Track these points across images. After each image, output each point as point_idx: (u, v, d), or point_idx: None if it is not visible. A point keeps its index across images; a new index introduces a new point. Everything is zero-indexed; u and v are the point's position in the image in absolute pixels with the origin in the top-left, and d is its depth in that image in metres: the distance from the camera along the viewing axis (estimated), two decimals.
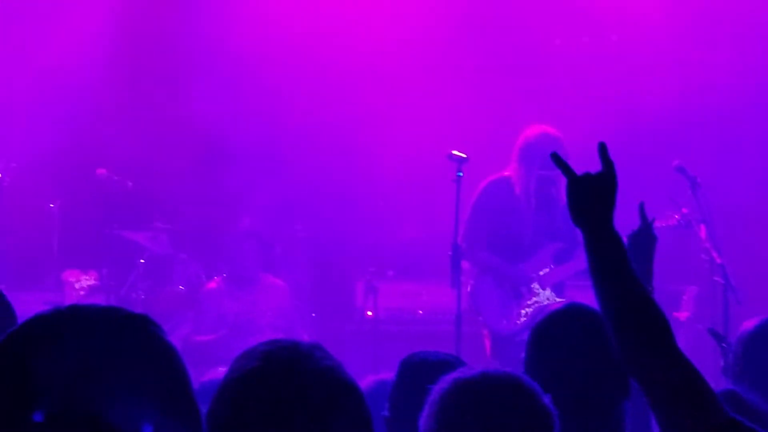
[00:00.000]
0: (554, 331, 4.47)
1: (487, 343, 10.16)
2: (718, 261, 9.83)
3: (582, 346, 4.37)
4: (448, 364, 4.72)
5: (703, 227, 10.01)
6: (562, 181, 9.74)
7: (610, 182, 4.29)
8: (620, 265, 4.03)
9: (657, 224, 9.32)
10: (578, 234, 9.86)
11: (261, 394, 2.77)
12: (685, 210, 10.17)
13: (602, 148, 4.58)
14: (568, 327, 4.47)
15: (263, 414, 2.73)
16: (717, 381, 9.49)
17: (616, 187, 4.29)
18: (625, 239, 5.82)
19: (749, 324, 6.39)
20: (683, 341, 10.98)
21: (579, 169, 4.67)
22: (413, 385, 4.58)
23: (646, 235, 5.91)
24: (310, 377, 2.76)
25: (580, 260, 9.97)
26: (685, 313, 11.21)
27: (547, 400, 3.39)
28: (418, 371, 4.76)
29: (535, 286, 10.11)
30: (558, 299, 10.01)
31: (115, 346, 2.18)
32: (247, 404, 2.78)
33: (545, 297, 10.06)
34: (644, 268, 5.88)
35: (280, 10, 12.73)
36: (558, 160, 4.48)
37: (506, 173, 10.25)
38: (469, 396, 3.36)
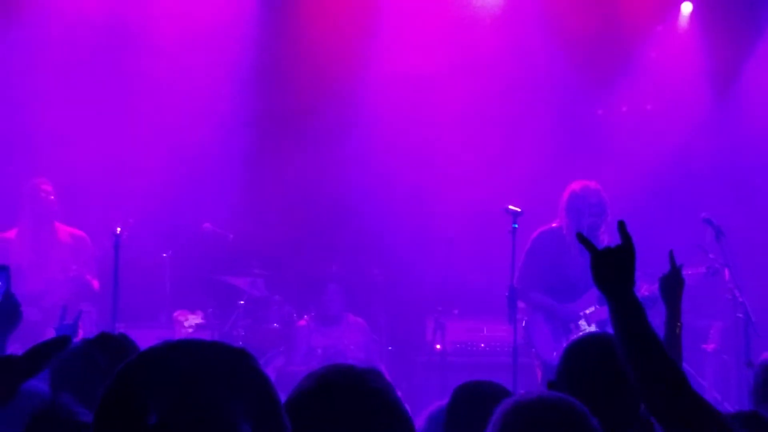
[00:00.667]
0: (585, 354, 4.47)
1: (539, 372, 10.17)
2: (740, 299, 9.86)
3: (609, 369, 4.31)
4: (494, 392, 4.73)
5: (726, 270, 10.03)
6: (606, 228, 9.87)
7: (629, 256, 4.26)
8: (640, 329, 4.00)
9: (688, 272, 9.48)
10: None
11: (315, 410, 2.85)
12: (711, 255, 10.18)
13: (621, 225, 4.56)
14: (598, 351, 4.45)
15: (316, 426, 2.80)
16: (741, 404, 9.57)
17: (635, 259, 4.26)
18: (657, 282, 5.95)
19: (767, 355, 6.43)
20: (711, 369, 11.07)
21: (615, 217, 4.80)
22: (464, 409, 4.65)
23: (674, 278, 5.97)
24: (360, 396, 2.85)
25: None
26: (712, 345, 11.15)
27: (595, 422, 3.37)
28: (467, 398, 4.73)
29: (582, 323, 10.13)
30: None
31: (218, 373, 2.19)
32: (303, 417, 2.81)
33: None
34: (673, 307, 5.95)
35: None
36: (582, 239, 4.50)
37: (555, 224, 10.29)
38: (528, 416, 3.32)
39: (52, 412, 3.99)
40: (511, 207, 9.92)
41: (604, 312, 10.15)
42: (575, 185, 10.26)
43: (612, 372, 4.27)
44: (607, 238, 10.30)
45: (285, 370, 11.19)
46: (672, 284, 5.87)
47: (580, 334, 9.93)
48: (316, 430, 2.79)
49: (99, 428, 2.13)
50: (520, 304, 10.02)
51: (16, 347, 9.74)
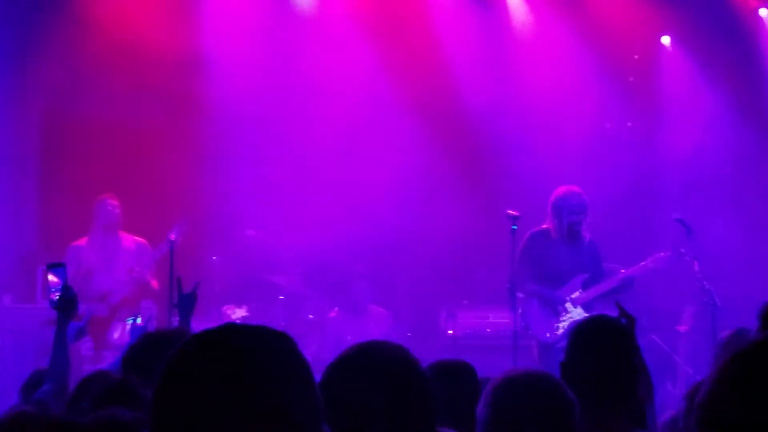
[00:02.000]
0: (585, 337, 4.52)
1: (535, 351, 10.27)
2: (707, 287, 9.95)
3: (608, 347, 4.40)
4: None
5: (696, 263, 10.12)
6: (585, 226, 9.96)
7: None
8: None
9: (660, 254, 9.61)
10: (600, 266, 10.07)
11: (347, 372, 2.91)
12: (683, 250, 10.27)
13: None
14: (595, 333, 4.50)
15: (349, 386, 2.85)
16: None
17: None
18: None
19: (724, 333, 6.54)
20: (684, 348, 11.12)
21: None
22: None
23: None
24: (386, 358, 2.93)
25: (602, 286, 10.20)
26: (685, 326, 11.19)
27: (571, 394, 3.42)
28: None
29: (569, 305, 10.24)
30: (586, 314, 10.22)
31: (266, 350, 2.13)
32: (336, 379, 2.89)
33: (576, 313, 10.17)
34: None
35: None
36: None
37: (544, 226, 10.40)
38: (514, 388, 3.40)
39: (122, 386, 4.05)
40: (510, 212, 10.02)
41: (587, 295, 10.26)
42: (559, 190, 10.40)
43: (611, 355, 4.36)
44: (588, 234, 10.38)
45: (318, 357, 11.23)
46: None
47: (568, 316, 10.09)
48: (351, 388, 2.83)
49: (159, 404, 2.05)
50: (519, 295, 10.12)
51: (85, 339, 9.89)
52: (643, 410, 4.68)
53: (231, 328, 2.18)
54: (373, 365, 2.93)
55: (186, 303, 7.06)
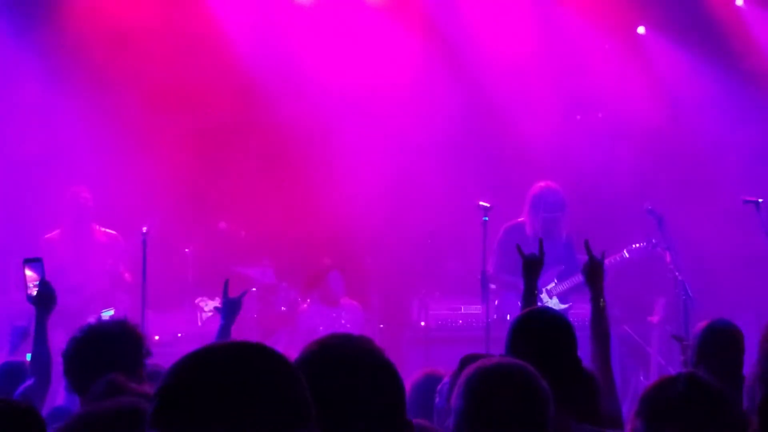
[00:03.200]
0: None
1: None
2: (680, 278, 9.92)
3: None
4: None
5: (668, 253, 10.10)
6: (561, 221, 10.00)
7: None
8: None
9: (635, 245, 9.63)
10: (575, 259, 10.11)
11: (317, 366, 2.83)
12: (654, 240, 10.28)
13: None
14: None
15: (320, 377, 2.77)
16: (682, 368, 9.61)
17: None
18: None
19: (701, 325, 6.53)
20: (656, 339, 11.13)
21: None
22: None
23: (593, 265, 6.27)
24: (351, 351, 2.85)
25: (577, 277, 10.21)
26: (657, 317, 11.22)
27: (544, 383, 3.42)
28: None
29: (544, 296, 10.26)
30: (561, 305, 10.23)
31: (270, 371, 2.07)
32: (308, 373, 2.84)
33: (552, 304, 10.21)
34: (595, 287, 6.22)
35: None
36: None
37: (520, 219, 10.42)
38: (488, 378, 3.38)
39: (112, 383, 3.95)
40: (482, 203, 9.99)
41: (562, 287, 10.30)
42: (536, 186, 10.42)
43: (555, 339, 4.45)
44: (565, 230, 10.39)
45: (290, 347, 11.19)
46: (592, 269, 6.23)
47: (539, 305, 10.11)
48: (323, 381, 2.78)
49: (161, 417, 2.01)
50: (492, 286, 10.11)
51: (59, 332, 9.84)
52: (596, 405, 4.69)
53: (229, 350, 2.10)
54: (338, 359, 2.86)
55: (230, 308, 7.04)
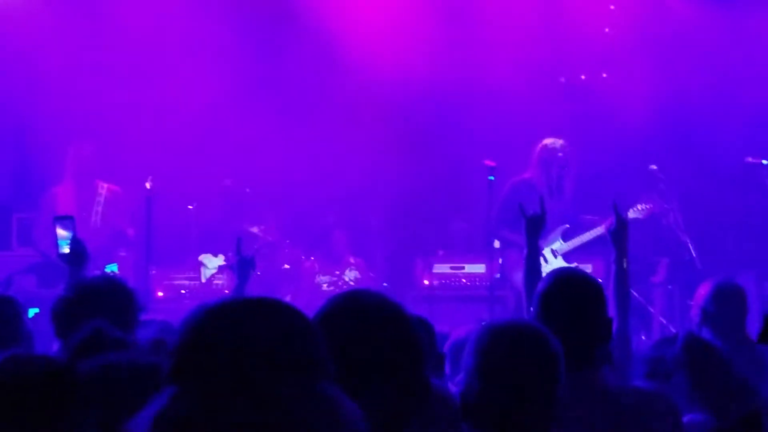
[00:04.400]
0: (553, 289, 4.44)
1: (512, 302, 10.23)
2: (683, 239, 9.90)
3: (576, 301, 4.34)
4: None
5: (671, 214, 10.07)
6: (567, 178, 9.98)
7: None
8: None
9: (638, 207, 9.58)
10: (580, 219, 10.06)
11: (337, 321, 2.79)
12: (658, 200, 10.23)
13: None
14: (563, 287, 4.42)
15: (340, 331, 2.72)
16: (684, 327, 9.60)
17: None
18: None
19: (705, 285, 6.53)
20: (658, 299, 11.12)
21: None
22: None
23: (620, 224, 6.28)
24: (371, 306, 2.83)
25: (582, 237, 10.18)
26: (659, 277, 11.20)
27: (555, 342, 3.42)
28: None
29: (549, 256, 10.20)
30: (567, 264, 10.21)
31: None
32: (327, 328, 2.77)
33: (556, 264, 10.15)
34: (620, 247, 6.23)
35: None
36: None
37: (526, 175, 10.36)
38: (500, 337, 3.38)
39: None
40: (487, 162, 9.95)
41: (567, 246, 10.26)
42: (545, 141, 10.36)
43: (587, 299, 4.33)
44: (571, 187, 10.35)
45: (293, 305, 11.19)
46: (618, 229, 6.24)
47: (548, 266, 10.06)
48: (342, 337, 2.74)
49: (179, 367, 1.96)
50: (495, 244, 10.08)
51: (60, 288, 9.82)
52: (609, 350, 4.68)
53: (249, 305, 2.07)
54: (358, 315, 2.82)
55: (244, 267, 6.99)
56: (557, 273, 4.55)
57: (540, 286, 4.38)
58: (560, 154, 10.23)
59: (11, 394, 2.34)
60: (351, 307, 2.83)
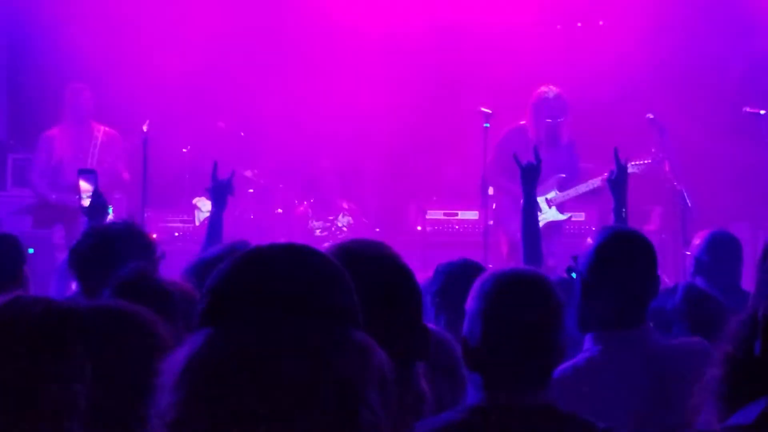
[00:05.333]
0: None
1: (504, 248, 10.25)
2: (678, 188, 9.89)
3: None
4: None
5: (666, 163, 10.05)
6: (563, 127, 9.97)
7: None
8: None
9: (637, 161, 9.56)
10: (576, 167, 10.07)
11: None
12: (654, 149, 10.21)
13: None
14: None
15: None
16: (677, 278, 9.64)
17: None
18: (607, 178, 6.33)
19: (700, 235, 6.55)
20: None
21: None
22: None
23: (620, 173, 6.29)
24: (370, 256, 2.77)
25: (578, 188, 10.18)
26: (653, 226, 11.23)
27: (559, 292, 3.44)
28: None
29: (543, 206, 10.19)
30: (560, 215, 10.21)
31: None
32: None
33: (550, 214, 10.16)
34: (619, 196, 6.25)
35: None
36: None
37: (521, 123, 10.34)
38: (504, 282, 3.40)
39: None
40: (483, 109, 9.93)
41: (562, 196, 10.25)
42: (538, 91, 10.33)
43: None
44: (567, 135, 10.33)
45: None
46: (618, 178, 6.26)
47: (542, 215, 10.05)
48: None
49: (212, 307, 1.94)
50: (489, 191, 10.07)
51: (58, 228, 9.85)
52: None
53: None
54: (356, 263, 2.80)
55: (219, 192, 6.92)
56: (612, 230, 4.48)
57: (595, 241, 4.32)
58: (553, 102, 10.21)
59: (13, 334, 2.33)
60: (348, 255, 2.73)
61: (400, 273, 2.78)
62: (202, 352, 1.87)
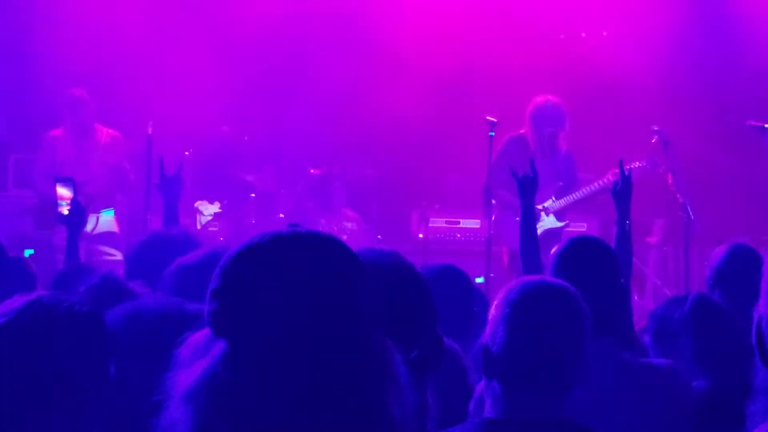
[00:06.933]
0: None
1: (505, 258, 10.23)
2: (681, 200, 9.85)
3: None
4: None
5: (670, 174, 10.02)
6: (561, 136, 9.97)
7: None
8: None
9: (632, 165, 9.56)
10: (574, 176, 10.05)
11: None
12: (658, 160, 10.18)
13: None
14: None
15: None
16: (678, 289, 9.62)
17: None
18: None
19: (720, 249, 6.47)
20: (653, 260, 11.14)
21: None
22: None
23: (625, 184, 6.28)
24: (385, 266, 2.75)
25: (575, 195, 10.17)
26: (655, 238, 11.22)
27: (585, 305, 3.39)
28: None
29: (541, 214, 10.19)
30: (557, 223, 10.19)
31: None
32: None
33: (549, 222, 10.15)
34: (623, 207, 6.24)
35: None
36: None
37: (521, 132, 10.34)
38: (530, 290, 3.35)
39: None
40: (489, 118, 9.91)
41: (560, 204, 10.24)
42: (537, 99, 10.33)
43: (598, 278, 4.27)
44: (565, 145, 10.32)
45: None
46: (623, 189, 6.26)
47: (540, 224, 10.04)
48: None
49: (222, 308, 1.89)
50: (493, 201, 10.06)
51: (59, 229, 9.81)
52: (634, 334, 4.65)
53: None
54: (374, 274, 2.78)
55: (168, 185, 6.86)
56: (573, 238, 4.49)
57: (556, 249, 4.33)
58: (551, 113, 10.22)
59: (45, 335, 2.32)
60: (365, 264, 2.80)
61: (417, 283, 2.77)
62: (220, 374, 1.82)
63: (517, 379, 3.25)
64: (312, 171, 12.06)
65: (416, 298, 2.76)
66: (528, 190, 6.51)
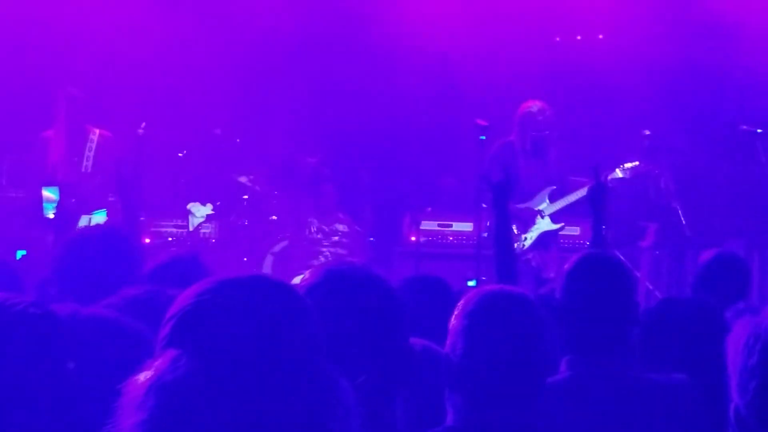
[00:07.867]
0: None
1: None
2: (673, 205, 9.89)
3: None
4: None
5: (662, 179, 10.06)
6: (550, 140, 10.02)
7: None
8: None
9: (625, 167, 9.56)
10: (566, 179, 10.09)
11: (320, 294, 2.75)
12: (650, 165, 10.22)
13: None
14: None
15: (325, 304, 2.67)
16: (669, 292, 9.62)
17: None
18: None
19: (707, 255, 6.51)
20: (645, 263, 11.13)
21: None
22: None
23: (599, 189, 6.30)
24: (355, 280, 2.79)
25: (569, 198, 10.20)
26: (647, 242, 11.22)
27: (543, 311, 3.38)
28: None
29: (537, 217, 10.21)
30: (553, 225, 10.21)
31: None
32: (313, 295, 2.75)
33: (544, 225, 10.18)
34: (598, 212, 6.23)
35: None
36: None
37: (511, 138, 10.38)
38: (488, 300, 3.35)
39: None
40: (479, 121, 9.91)
41: (553, 207, 10.26)
42: (525, 105, 10.37)
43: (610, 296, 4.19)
44: (554, 150, 10.35)
45: (282, 255, 11.24)
46: (596, 194, 6.25)
47: (536, 227, 10.06)
48: (327, 309, 2.66)
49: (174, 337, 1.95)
50: (483, 205, 10.07)
51: (51, 232, 9.78)
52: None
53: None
54: (344, 288, 2.80)
55: (125, 190, 6.91)
56: (586, 254, 4.40)
57: (568, 266, 4.28)
58: (539, 118, 10.25)
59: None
60: (333, 280, 2.81)
61: (388, 296, 2.79)
62: (168, 375, 1.87)
63: (476, 389, 3.25)
64: (303, 172, 12.05)
65: (387, 311, 2.78)
66: (501, 197, 6.43)
